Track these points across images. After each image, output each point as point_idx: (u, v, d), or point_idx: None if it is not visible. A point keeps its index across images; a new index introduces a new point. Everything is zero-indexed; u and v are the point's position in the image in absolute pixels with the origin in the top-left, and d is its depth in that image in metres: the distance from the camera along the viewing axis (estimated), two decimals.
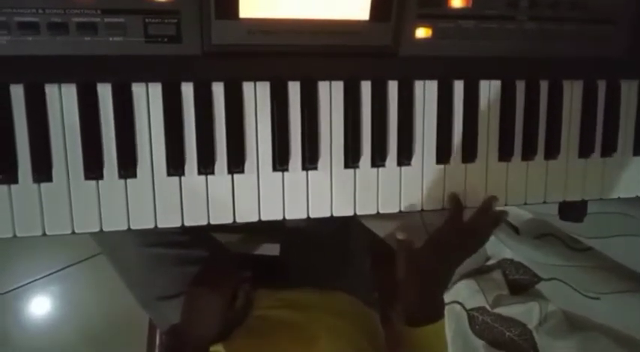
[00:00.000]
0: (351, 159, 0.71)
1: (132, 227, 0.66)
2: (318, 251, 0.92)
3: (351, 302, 0.89)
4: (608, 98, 0.79)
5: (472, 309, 1.66)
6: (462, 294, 1.68)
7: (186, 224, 0.67)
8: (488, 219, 0.76)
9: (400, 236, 0.75)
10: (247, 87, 0.67)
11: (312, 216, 0.71)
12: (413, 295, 0.73)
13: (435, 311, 0.73)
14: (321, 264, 0.91)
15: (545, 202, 0.79)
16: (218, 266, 0.82)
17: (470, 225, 0.74)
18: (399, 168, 0.73)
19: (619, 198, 0.83)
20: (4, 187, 0.62)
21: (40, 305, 1.44)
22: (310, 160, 0.69)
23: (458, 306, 1.69)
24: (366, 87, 0.71)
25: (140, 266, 0.79)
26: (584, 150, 0.79)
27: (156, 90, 0.64)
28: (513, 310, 1.55)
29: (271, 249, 1.09)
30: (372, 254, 1.02)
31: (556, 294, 1.54)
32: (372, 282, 0.98)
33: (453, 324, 1.69)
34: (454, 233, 0.74)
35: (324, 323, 0.80)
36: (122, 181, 0.65)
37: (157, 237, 0.78)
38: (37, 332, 1.43)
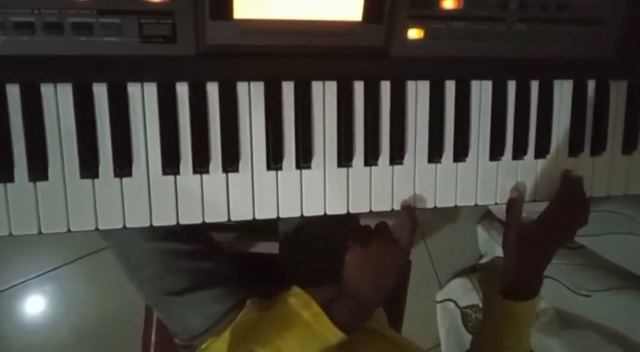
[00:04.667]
0: (344, 158, 0.72)
1: (127, 225, 0.66)
2: (319, 248, 0.92)
3: None
4: (597, 98, 0.80)
5: (465, 307, 1.68)
6: (456, 292, 1.70)
7: (181, 222, 0.68)
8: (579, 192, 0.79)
9: (514, 193, 0.78)
10: (241, 87, 0.68)
11: (305, 214, 0.72)
12: (519, 269, 0.75)
13: (536, 287, 0.76)
14: (323, 261, 0.91)
15: (535, 200, 0.80)
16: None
17: (573, 200, 0.78)
18: (391, 167, 0.74)
19: (608, 196, 0.84)
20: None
21: (34, 304, 1.43)
22: (304, 159, 0.70)
23: (451, 304, 1.70)
24: (359, 87, 0.71)
25: (149, 261, 0.78)
26: (574, 149, 0.80)
27: (151, 90, 0.65)
28: None
29: (269, 248, 1.09)
30: None
31: (548, 292, 1.55)
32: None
33: (446, 321, 1.70)
34: (564, 209, 0.77)
35: None
36: (117, 180, 0.65)
37: (165, 232, 0.78)
38: (31, 331, 1.43)
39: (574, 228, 0.79)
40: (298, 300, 0.68)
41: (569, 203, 0.78)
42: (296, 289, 0.69)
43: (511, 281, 0.76)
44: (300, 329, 0.65)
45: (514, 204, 0.78)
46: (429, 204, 0.76)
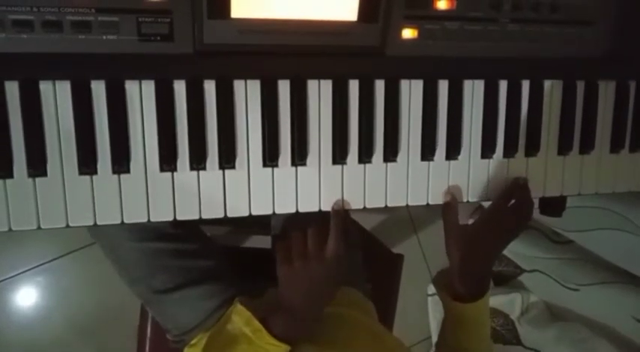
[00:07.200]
0: (339, 155, 0.73)
1: (125, 221, 0.67)
2: None
3: (354, 293, 0.92)
4: (586, 98, 0.82)
5: None
6: None
7: (178, 218, 0.69)
8: (527, 198, 0.79)
9: (447, 197, 0.78)
10: (238, 85, 0.69)
11: (300, 210, 0.73)
12: (463, 272, 0.76)
13: (484, 287, 0.77)
14: None
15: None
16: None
17: (515, 203, 0.78)
18: (385, 164, 0.75)
19: (597, 193, 0.86)
20: None
21: (27, 297, 1.43)
22: (299, 156, 0.71)
23: None
24: (353, 86, 0.72)
25: (139, 261, 0.79)
26: (563, 148, 0.82)
27: (149, 87, 0.66)
28: (496, 301, 1.58)
29: (262, 242, 1.10)
30: (364, 246, 1.04)
31: (538, 286, 1.58)
32: (365, 274, 1.00)
33: (437, 314, 1.72)
34: (505, 210, 0.77)
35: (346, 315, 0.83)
36: (116, 176, 0.66)
37: (154, 232, 0.79)
38: (24, 324, 1.43)
39: (516, 229, 0.78)
40: (240, 318, 0.72)
41: (511, 206, 0.78)
42: (239, 307, 0.74)
43: (457, 285, 0.77)
44: (244, 345, 0.70)
45: (449, 207, 0.78)
46: (422, 201, 0.78)
